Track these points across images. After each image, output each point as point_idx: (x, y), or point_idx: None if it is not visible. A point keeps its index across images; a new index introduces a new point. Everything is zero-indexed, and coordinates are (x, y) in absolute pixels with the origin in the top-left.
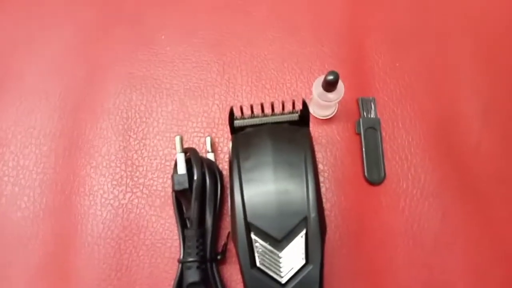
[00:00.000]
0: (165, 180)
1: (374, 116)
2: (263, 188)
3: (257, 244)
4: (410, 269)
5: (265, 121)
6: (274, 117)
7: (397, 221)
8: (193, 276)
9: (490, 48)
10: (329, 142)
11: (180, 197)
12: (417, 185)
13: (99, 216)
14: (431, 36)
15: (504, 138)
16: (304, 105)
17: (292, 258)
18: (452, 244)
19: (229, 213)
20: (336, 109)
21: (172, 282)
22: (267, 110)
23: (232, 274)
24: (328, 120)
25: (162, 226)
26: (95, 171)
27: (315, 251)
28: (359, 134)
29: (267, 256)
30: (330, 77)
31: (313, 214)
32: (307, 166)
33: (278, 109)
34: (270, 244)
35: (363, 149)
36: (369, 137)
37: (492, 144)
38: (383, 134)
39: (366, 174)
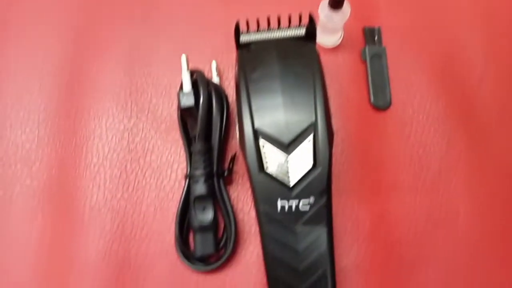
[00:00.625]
0: (170, 105)
1: (379, 45)
2: (270, 96)
3: (264, 149)
4: (415, 192)
5: (271, 36)
6: (280, 31)
7: (403, 146)
8: (200, 189)
9: None
10: (334, 70)
11: (186, 116)
12: (423, 111)
13: (104, 139)
14: None
15: (506, 73)
16: (311, 20)
17: (299, 161)
18: (456, 168)
19: (237, 129)
20: (342, 36)
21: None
22: (273, 25)
23: (239, 194)
24: (334, 49)
25: (168, 150)
26: (99, 96)
27: (323, 154)
28: (364, 61)
29: (275, 160)
30: None
31: (320, 119)
32: (314, 75)
33: (284, 24)
34: (278, 148)
35: (369, 75)
36: (374, 64)
37: (495, 78)
38: (389, 62)
39: (372, 99)
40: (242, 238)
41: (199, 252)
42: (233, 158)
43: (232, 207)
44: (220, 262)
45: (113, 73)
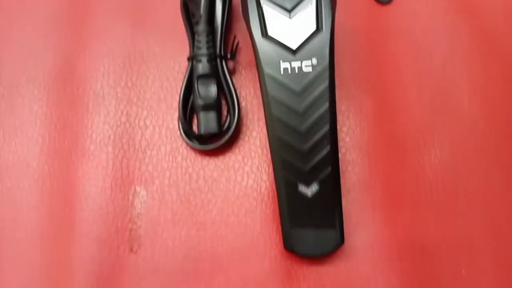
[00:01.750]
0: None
1: None
2: None
3: (267, 14)
4: (418, 79)
5: None
6: None
7: (407, 42)
8: (203, 68)
9: None
10: None
11: (188, 1)
12: (426, 8)
13: (109, 36)
14: None
15: None
16: None
17: (303, 24)
18: (459, 58)
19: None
20: None
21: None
22: None
23: (242, 84)
24: None
25: (170, 41)
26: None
27: (326, 18)
28: None
29: (278, 24)
30: None
31: None
32: None
33: None
34: (280, 13)
35: None
36: None
37: None
38: None
39: None
40: (245, 124)
41: (202, 130)
42: (234, 39)
43: (235, 87)
44: (223, 141)
45: None
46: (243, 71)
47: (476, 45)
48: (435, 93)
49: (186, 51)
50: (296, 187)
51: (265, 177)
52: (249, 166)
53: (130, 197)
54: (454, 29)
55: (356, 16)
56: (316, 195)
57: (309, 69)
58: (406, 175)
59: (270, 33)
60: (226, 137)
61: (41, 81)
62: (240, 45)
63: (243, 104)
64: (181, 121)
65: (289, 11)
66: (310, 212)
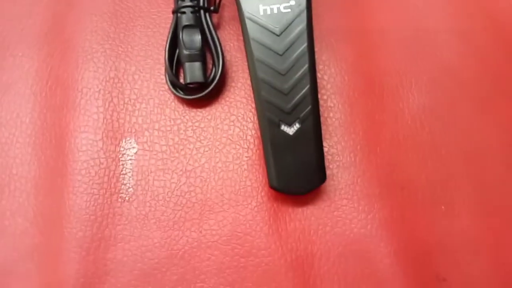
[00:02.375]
0: None
1: None
2: None
3: None
4: (396, 32)
5: None
6: None
7: None
8: (187, 19)
9: None
10: None
11: None
12: None
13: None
14: None
15: None
16: None
17: None
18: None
19: None
20: None
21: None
22: None
23: (225, 38)
24: None
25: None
26: None
27: None
28: None
29: None
30: None
31: None
32: None
33: None
34: None
35: None
36: None
37: None
38: None
39: None
40: (230, 77)
41: (188, 79)
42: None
43: (219, 39)
44: (208, 89)
45: None
46: (227, 26)
47: None
48: (412, 39)
49: (170, 6)
50: (278, 126)
51: (250, 125)
52: (235, 116)
53: (121, 149)
54: None
55: None
56: (297, 134)
57: (288, 9)
58: (386, 118)
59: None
60: (212, 86)
61: (31, 40)
62: (224, 1)
63: (227, 57)
64: (167, 72)
65: None
66: (292, 151)
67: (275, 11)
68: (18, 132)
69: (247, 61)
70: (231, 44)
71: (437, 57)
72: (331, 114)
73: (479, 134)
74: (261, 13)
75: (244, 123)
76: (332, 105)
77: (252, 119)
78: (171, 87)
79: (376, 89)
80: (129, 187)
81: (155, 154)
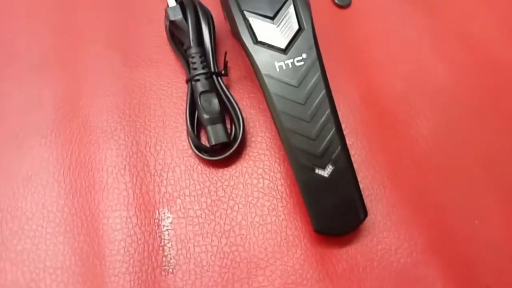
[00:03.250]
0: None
1: None
2: None
3: (254, 24)
4: (393, 63)
5: None
6: None
7: (369, 30)
8: (203, 86)
9: None
10: None
11: (174, 29)
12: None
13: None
14: None
15: None
16: None
17: (286, 26)
18: (420, 38)
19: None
20: None
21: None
22: None
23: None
24: None
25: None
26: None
27: (306, 17)
28: None
29: (265, 30)
30: None
31: None
32: None
33: None
34: (265, 20)
35: None
36: None
37: None
38: None
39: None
40: (249, 132)
41: (213, 141)
42: (226, 62)
43: (234, 99)
44: (233, 148)
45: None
46: (235, 86)
47: (431, 18)
48: (409, 71)
49: (178, 76)
50: (313, 171)
51: (278, 175)
52: (262, 168)
53: (156, 220)
54: (409, 15)
55: (323, 18)
56: (332, 175)
57: (301, 62)
58: (402, 146)
59: (259, 38)
60: (236, 144)
61: (46, 129)
62: (228, 64)
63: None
64: (190, 137)
65: (272, 18)
66: (330, 192)
67: (290, 65)
68: (46, 223)
69: (272, 114)
70: (244, 102)
71: (434, 83)
72: (352, 152)
73: (486, 142)
74: (277, 69)
75: (272, 174)
76: (351, 143)
77: (279, 169)
78: (196, 151)
79: (387, 121)
80: (170, 258)
81: (190, 220)
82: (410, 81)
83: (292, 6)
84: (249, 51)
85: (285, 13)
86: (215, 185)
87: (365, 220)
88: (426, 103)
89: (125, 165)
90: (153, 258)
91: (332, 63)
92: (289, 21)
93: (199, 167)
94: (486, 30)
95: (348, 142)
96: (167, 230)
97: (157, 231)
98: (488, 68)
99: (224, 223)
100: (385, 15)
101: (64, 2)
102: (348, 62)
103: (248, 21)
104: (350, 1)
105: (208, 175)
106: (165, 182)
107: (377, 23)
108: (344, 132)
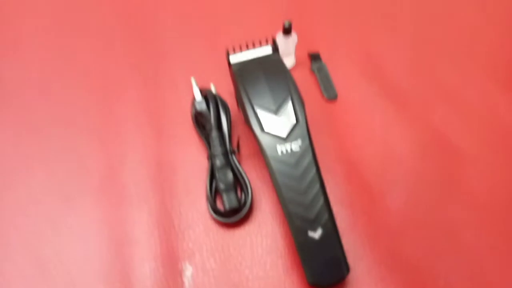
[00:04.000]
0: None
1: (320, 62)
2: (259, 87)
3: (261, 116)
4: (370, 141)
5: (249, 54)
6: (254, 50)
7: (352, 119)
8: (220, 162)
9: None
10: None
11: (199, 116)
12: (359, 97)
13: (137, 161)
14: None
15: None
16: (274, 41)
17: (286, 119)
18: (392, 126)
19: (242, 113)
20: (294, 61)
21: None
22: (250, 47)
23: (246, 169)
24: (292, 69)
25: (187, 153)
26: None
27: (301, 113)
28: (313, 72)
29: (270, 121)
30: (286, 23)
31: (293, 91)
32: (284, 70)
33: (256, 46)
34: (270, 113)
35: (319, 79)
36: (321, 73)
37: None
38: (330, 71)
39: (324, 94)
40: (256, 200)
41: (227, 206)
42: (238, 143)
43: (245, 172)
44: (243, 213)
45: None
46: (246, 162)
47: (397, 113)
48: (384, 152)
49: (200, 153)
50: (306, 233)
51: (278, 236)
52: (265, 230)
53: (179, 271)
54: (384, 111)
55: (314, 110)
56: (322, 237)
57: (297, 148)
58: (379, 215)
59: (266, 129)
60: (245, 209)
61: (92, 192)
62: (240, 144)
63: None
64: (209, 202)
65: (275, 112)
66: (321, 251)
67: (289, 150)
68: (90, 273)
69: (274, 186)
70: (252, 175)
71: (403, 163)
72: (338, 218)
73: (448, 213)
74: (279, 152)
75: (273, 235)
76: (337, 211)
77: (279, 230)
78: (213, 213)
79: (366, 194)
80: None
81: (207, 272)
82: (385, 161)
83: (290, 103)
84: (257, 137)
85: (285, 108)
86: (227, 243)
87: (349, 275)
88: (399, 179)
89: (154, 224)
90: None
91: (322, 146)
92: (288, 115)
93: (214, 227)
94: (446, 121)
95: (334, 210)
96: (188, 280)
97: (180, 280)
98: (448, 153)
99: (234, 276)
100: (364, 107)
101: (109, 90)
102: (334, 146)
103: (257, 113)
104: (336, 96)
105: (222, 234)
106: (187, 238)
107: (358, 114)
108: (331, 202)
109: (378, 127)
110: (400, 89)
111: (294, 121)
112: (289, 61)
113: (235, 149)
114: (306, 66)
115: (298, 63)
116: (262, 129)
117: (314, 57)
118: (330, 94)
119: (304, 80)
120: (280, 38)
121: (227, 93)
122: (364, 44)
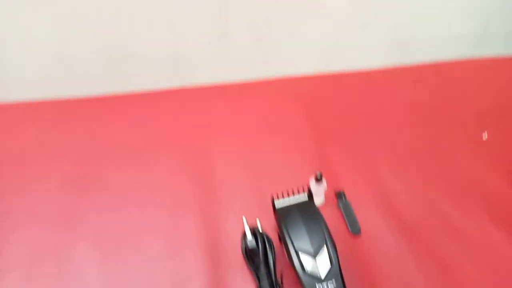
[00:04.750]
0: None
1: (346, 200)
2: (299, 232)
3: (303, 258)
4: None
5: (290, 200)
6: (294, 197)
7: (373, 251)
8: None
9: None
10: (324, 216)
11: (249, 251)
12: (380, 231)
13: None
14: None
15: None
16: (309, 190)
17: (323, 263)
18: (405, 260)
19: (285, 254)
20: (324, 199)
21: None
22: (290, 194)
23: None
24: (322, 206)
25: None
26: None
27: (334, 258)
28: (339, 208)
29: (310, 264)
30: (318, 174)
31: (328, 239)
32: (320, 219)
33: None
34: (310, 257)
35: (344, 215)
36: (346, 210)
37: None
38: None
39: (349, 229)
40: None
41: None
42: (282, 277)
43: None
44: None
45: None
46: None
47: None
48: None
49: (249, 284)
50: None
51: None
52: None
53: None
54: (403, 244)
55: (343, 242)
56: None
57: (332, 286)
58: None
59: (307, 270)
60: None
61: None
62: (282, 272)
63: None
64: None
65: (313, 255)
66: None
67: (325, 287)
68: None
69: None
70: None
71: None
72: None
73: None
74: None
75: None
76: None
77: None
78: None
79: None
80: None
81: None
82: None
83: (325, 247)
84: (300, 277)
85: (322, 252)
86: None
87: None
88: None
89: None
90: None
91: (351, 281)
92: (325, 259)
93: None
94: (452, 255)
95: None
96: None
97: None
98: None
99: None
100: (384, 242)
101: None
102: (360, 277)
103: (299, 256)
104: (360, 231)
105: None
106: None
107: (381, 247)
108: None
109: (393, 261)
110: (411, 223)
111: (329, 265)
112: (319, 200)
113: (279, 281)
114: (333, 203)
115: (327, 199)
116: (303, 270)
117: (340, 195)
118: (354, 228)
119: (334, 216)
120: (313, 184)
121: (269, 226)
122: (380, 182)
